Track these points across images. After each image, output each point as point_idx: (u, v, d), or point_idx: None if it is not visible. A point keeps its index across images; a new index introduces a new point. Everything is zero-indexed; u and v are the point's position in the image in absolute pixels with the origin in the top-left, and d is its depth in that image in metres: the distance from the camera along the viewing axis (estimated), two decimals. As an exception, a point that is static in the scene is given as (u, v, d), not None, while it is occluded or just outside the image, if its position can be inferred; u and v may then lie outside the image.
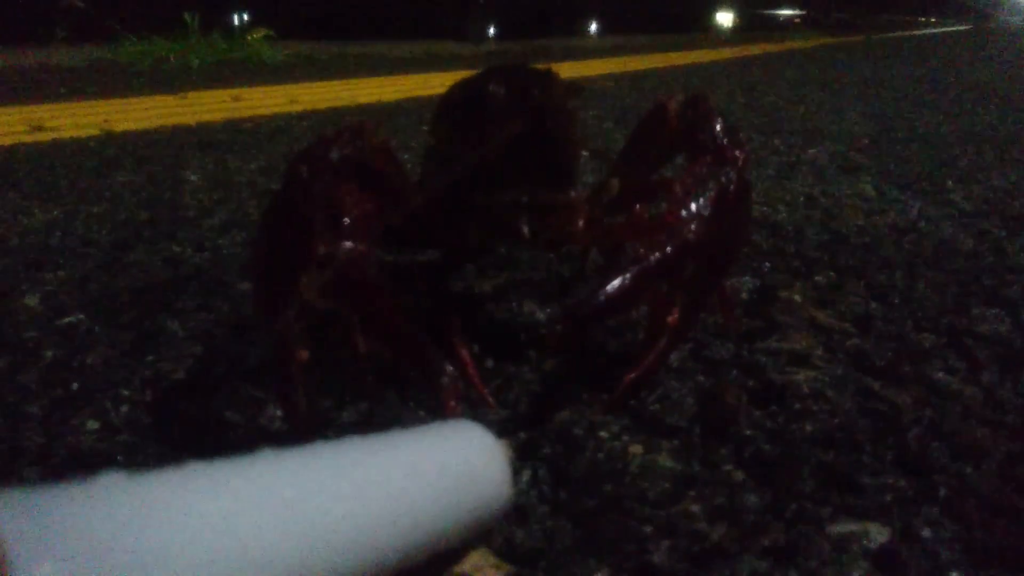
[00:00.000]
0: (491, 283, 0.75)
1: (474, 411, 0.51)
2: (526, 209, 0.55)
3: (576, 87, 0.56)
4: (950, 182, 1.24)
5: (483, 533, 0.37)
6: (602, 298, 0.45)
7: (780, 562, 0.38)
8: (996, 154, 1.47)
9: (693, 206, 0.48)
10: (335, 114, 2.06)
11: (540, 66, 0.57)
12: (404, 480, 0.33)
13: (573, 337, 0.49)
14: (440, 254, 0.62)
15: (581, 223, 0.57)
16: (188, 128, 1.83)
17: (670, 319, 0.48)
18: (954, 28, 13.26)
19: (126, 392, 0.56)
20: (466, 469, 0.36)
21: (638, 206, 0.60)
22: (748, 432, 0.49)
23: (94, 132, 1.76)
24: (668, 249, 0.46)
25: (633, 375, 0.49)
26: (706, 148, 0.52)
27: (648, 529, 0.40)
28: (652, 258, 0.46)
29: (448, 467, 0.35)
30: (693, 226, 0.47)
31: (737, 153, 0.52)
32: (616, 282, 0.45)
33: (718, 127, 0.53)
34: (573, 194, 0.57)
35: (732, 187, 0.49)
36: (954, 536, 0.39)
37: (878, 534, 0.39)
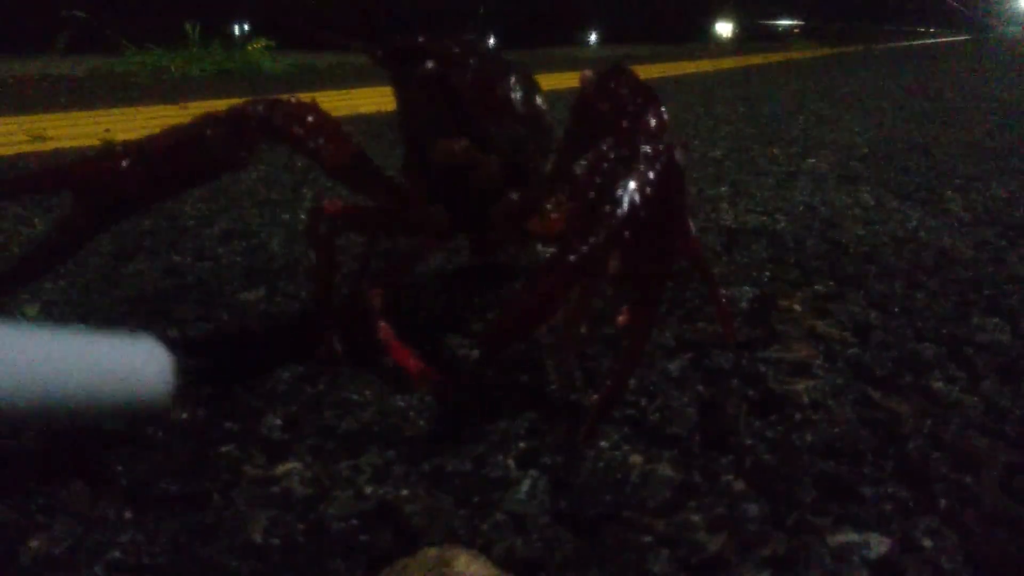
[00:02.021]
0: (489, 296, 0.75)
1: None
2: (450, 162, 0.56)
3: (492, 54, 0.57)
4: (949, 192, 1.24)
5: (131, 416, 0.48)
6: (510, 320, 0.43)
7: (780, 572, 0.38)
8: (995, 164, 1.47)
9: (593, 193, 0.43)
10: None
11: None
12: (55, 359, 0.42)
13: (493, 360, 0.47)
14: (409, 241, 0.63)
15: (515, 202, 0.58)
16: (188, 138, 1.82)
17: (620, 319, 0.46)
18: (953, 38, 13.29)
19: (126, 402, 0.56)
20: (117, 364, 0.45)
21: (551, 201, 0.60)
22: (748, 442, 0.49)
23: (95, 142, 1.76)
24: (573, 245, 0.42)
25: (600, 396, 0.49)
26: (612, 121, 0.47)
27: (648, 539, 0.40)
28: (558, 259, 0.42)
29: (100, 359, 0.44)
30: (599, 213, 0.42)
31: (647, 122, 0.46)
32: (524, 295, 0.42)
33: (627, 98, 0.48)
34: (492, 157, 0.57)
35: (642, 161, 0.44)
36: (954, 546, 0.39)
37: (878, 544, 0.39)
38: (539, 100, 0.62)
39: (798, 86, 3.52)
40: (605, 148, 0.45)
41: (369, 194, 0.64)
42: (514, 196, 0.58)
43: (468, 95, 0.55)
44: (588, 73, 0.52)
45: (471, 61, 0.56)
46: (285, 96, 0.59)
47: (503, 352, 0.51)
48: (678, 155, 0.46)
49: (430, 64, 0.54)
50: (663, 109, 0.47)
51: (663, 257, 0.47)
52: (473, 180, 0.57)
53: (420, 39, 0.55)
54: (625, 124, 0.46)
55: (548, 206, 0.59)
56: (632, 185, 0.43)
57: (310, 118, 0.58)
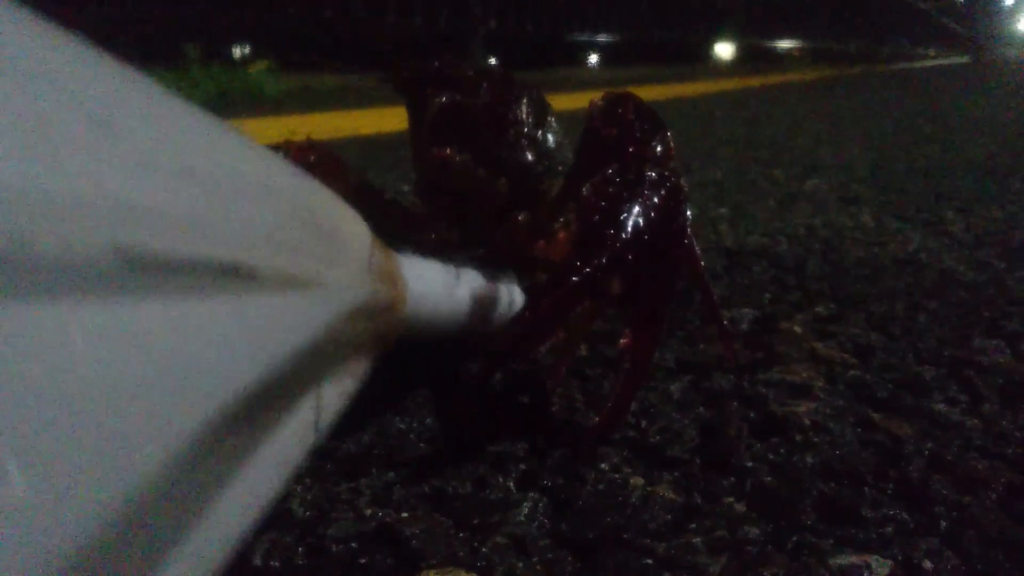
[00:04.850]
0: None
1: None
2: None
3: (506, 77, 0.58)
4: (950, 213, 1.24)
5: None
6: (510, 338, 0.44)
7: (781, 595, 0.38)
8: (995, 185, 1.47)
9: (597, 216, 0.44)
10: (335, 145, 2.07)
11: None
12: None
13: (492, 377, 0.48)
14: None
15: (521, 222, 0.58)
16: (191, 159, 1.82)
17: (622, 342, 0.46)
18: (953, 60, 13.34)
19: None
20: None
21: (559, 224, 0.60)
22: (749, 464, 0.49)
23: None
24: (576, 266, 0.42)
25: (601, 418, 0.49)
26: (618, 147, 0.48)
27: (649, 561, 0.40)
28: (560, 279, 0.43)
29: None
30: (602, 236, 0.43)
31: (653, 149, 0.47)
32: (526, 314, 0.43)
33: (634, 124, 0.49)
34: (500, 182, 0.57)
35: (647, 186, 0.45)
36: (955, 568, 0.39)
37: (880, 566, 0.39)
38: (551, 123, 0.62)
39: (798, 107, 3.53)
40: (611, 173, 0.46)
41: (378, 221, 0.64)
42: (521, 218, 0.58)
43: (481, 120, 0.56)
44: (597, 100, 0.52)
45: (485, 85, 0.56)
46: (282, 140, 0.60)
47: (502, 369, 0.51)
48: (683, 182, 0.46)
49: (444, 89, 0.55)
50: (669, 135, 0.48)
51: (666, 282, 0.47)
52: (481, 202, 0.57)
53: (436, 63, 0.56)
54: (631, 150, 0.47)
55: (556, 227, 0.60)
56: (636, 209, 0.44)
57: (312, 158, 0.59)
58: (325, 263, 0.33)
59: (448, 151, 0.55)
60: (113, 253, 0.21)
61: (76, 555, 0.20)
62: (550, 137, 0.62)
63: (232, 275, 0.25)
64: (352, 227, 0.40)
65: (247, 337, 0.27)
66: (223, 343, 0.25)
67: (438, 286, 0.49)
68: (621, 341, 0.46)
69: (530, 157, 0.60)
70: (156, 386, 0.22)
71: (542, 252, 0.58)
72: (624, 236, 0.43)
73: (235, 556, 0.27)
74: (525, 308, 0.42)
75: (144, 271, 0.22)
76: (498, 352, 0.45)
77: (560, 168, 0.61)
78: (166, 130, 0.27)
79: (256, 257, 0.27)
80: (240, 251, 0.26)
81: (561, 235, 0.58)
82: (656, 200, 0.45)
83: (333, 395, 0.36)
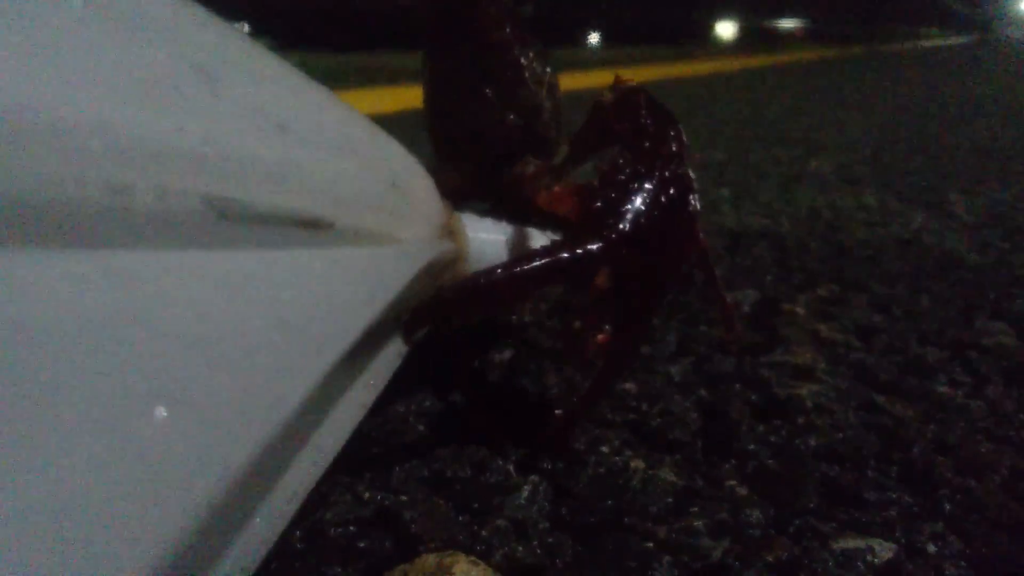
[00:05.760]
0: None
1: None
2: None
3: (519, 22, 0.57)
4: (953, 194, 1.23)
5: None
6: (470, 287, 0.39)
7: (784, 579, 0.37)
8: (999, 166, 1.47)
9: (600, 204, 0.42)
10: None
11: None
12: None
13: (436, 323, 0.44)
14: None
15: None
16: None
17: (600, 338, 0.44)
18: (956, 40, 13.29)
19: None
20: None
21: (561, 183, 0.60)
22: (751, 447, 0.49)
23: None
24: (565, 246, 0.40)
25: (561, 412, 0.48)
26: (631, 141, 0.46)
27: (650, 545, 0.40)
28: (542, 253, 0.40)
29: None
30: (600, 224, 0.41)
31: (667, 144, 0.45)
32: (496, 272, 0.39)
33: (647, 119, 0.47)
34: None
35: (658, 182, 0.43)
36: (959, 551, 0.39)
37: (883, 550, 0.39)
38: (554, 75, 0.62)
39: (800, 88, 3.52)
40: (622, 163, 0.44)
41: None
42: (531, 162, 0.58)
43: (502, 56, 0.56)
44: (606, 93, 0.51)
45: (508, 27, 0.56)
46: None
47: (448, 322, 0.48)
48: (694, 178, 0.45)
49: (466, 24, 0.54)
50: (682, 130, 0.47)
51: (658, 285, 0.45)
52: (492, 138, 0.56)
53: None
54: (646, 144, 0.45)
55: (557, 188, 0.59)
56: (641, 205, 0.42)
57: None
58: (400, 220, 0.34)
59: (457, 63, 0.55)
60: (204, 203, 0.22)
61: (225, 482, 0.21)
62: (556, 91, 0.62)
63: (314, 228, 0.26)
64: (423, 184, 0.41)
65: (337, 290, 0.27)
66: (316, 296, 0.26)
67: (497, 245, 0.49)
68: (599, 336, 0.44)
69: (542, 102, 0.59)
70: (272, 336, 0.23)
71: (545, 202, 0.57)
72: (622, 228, 0.41)
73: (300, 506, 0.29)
74: (494, 268, 0.39)
75: (234, 222, 0.23)
76: (449, 301, 0.40)
77: (562, 126, 0.61)
78: (262, 84, 0.28)
79: (338, 212, 0.27)
80: (323, 206, 0.26)
81: (558, 189, 0.57)
82: (664, 199, 0.43)
83: (393, 353, 0.37)
